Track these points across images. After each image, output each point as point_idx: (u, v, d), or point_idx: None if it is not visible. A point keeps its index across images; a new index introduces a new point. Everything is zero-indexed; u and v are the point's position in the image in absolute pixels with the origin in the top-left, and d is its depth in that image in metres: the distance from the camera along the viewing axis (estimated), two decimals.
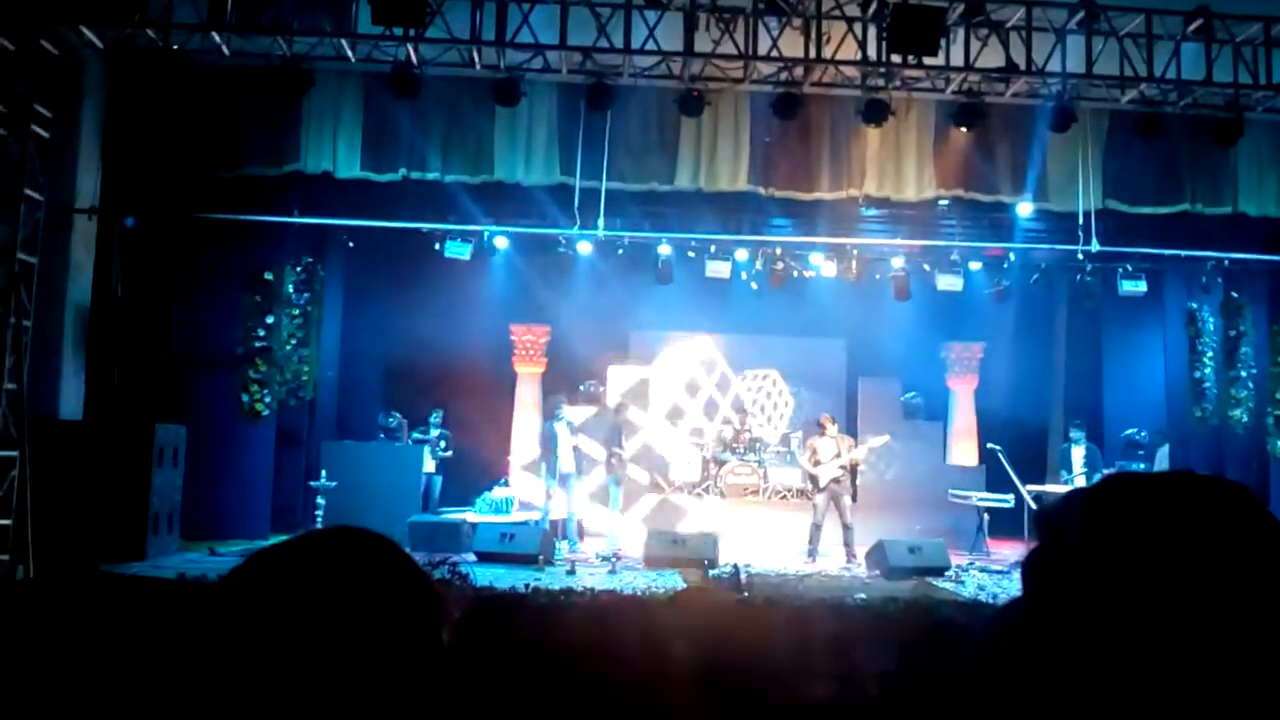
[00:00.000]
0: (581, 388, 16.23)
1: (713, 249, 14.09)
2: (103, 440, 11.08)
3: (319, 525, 10.95)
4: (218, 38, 11.44)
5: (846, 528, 12.26)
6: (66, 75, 11.32)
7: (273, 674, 1.02)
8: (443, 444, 14.93)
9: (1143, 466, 14.41)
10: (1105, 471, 11.99)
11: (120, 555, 10.53)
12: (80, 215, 11.75)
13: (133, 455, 11.02)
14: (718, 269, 14.14)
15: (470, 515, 13.81)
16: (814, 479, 12.43)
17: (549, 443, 13.15)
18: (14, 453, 10.14)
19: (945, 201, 13.36)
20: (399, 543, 1.18)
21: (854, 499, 12.56)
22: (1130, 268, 13.73)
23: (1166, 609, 0.90)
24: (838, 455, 12.34)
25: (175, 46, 11.45)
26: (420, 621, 1.11)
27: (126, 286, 12.42)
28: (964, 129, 12.41)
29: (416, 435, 14.84)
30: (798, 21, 11.79)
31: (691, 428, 16.89)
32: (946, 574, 11.46)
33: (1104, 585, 0.93)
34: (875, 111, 11.93)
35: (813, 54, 11.77)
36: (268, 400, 13.25)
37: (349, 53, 11.80)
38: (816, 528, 12.39)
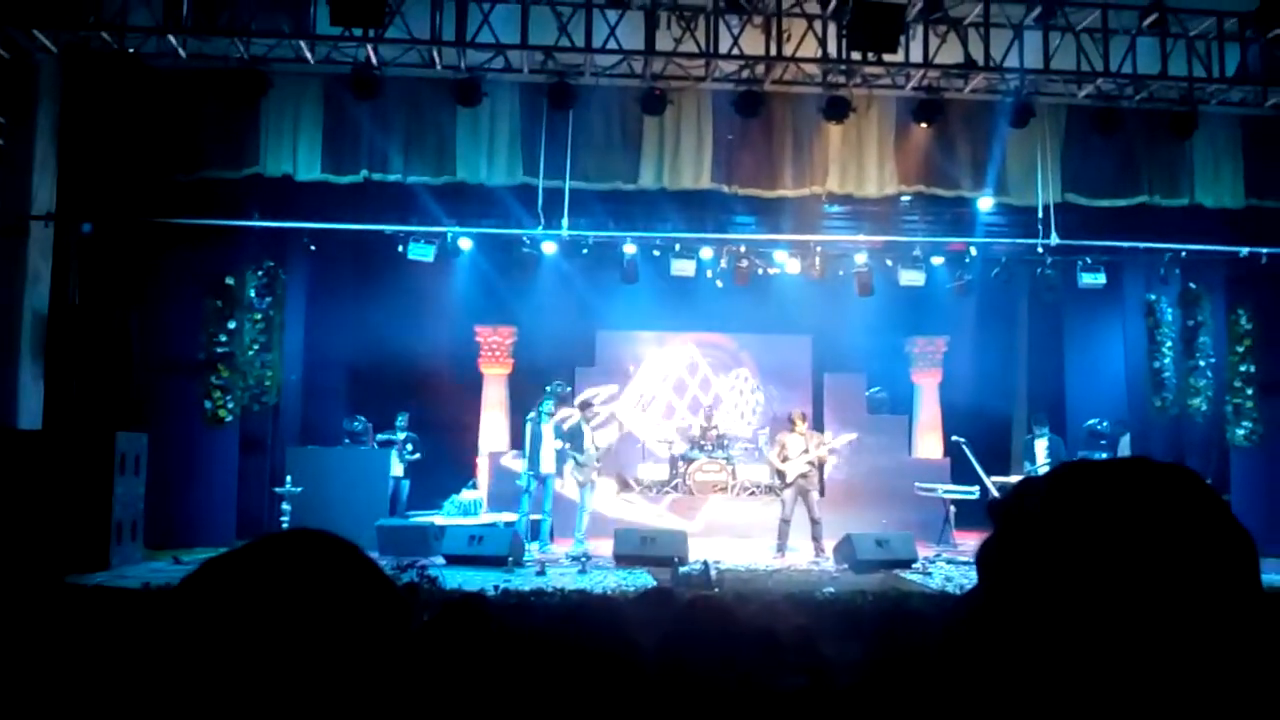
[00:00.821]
0: (548, 388, 16.18)
1: (677, 247, 14.11)
2: (63, 449, 10.91)
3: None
4: (174, 40, 11.32)
5: (814, 522, 12.33)
6: (20, 79, 11.17)
7: (230, 681, 1.01)
8: (410, 447, 14.86)
9: (1105, 456, 14.57)
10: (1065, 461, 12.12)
11: (84, 565, 10.38)
12: (36, 222, 11.58)
13: (94, 464, 10.86)
14: (683, 267, 14.16)
15: (438, 518, 13.74)
16: (781, 475, 12.48)
17: (533, 442, 13.12)
18: None
19: (907, 197, 13.44)
20: (366, 547, 1.17)
21: (822, 494, 12.64)
22: (1089, 260, 13.87)
23: (1117, 593, 0.91)
24: (805, 451, 12.41)
25: (131, 49, 11.33)
26: (382, 625, 1.09)
27: (85, 293, 12.26)
28: (924, 125, 12.51)
29: (383, 438, 14.76)
30: (758, 19, 11.84)
31: (659, 425, 16.90)
32: (914, 566, 11.53)
33: (1056, 571, 0.94)
34: (836, 109, 12.01)
35: (774, 52, 11.83)
36: (231, 406, 13.12)
37: (308, 54, 11.71)
38: (785, 523, 12.45)
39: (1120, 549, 0.92)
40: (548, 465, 13.06)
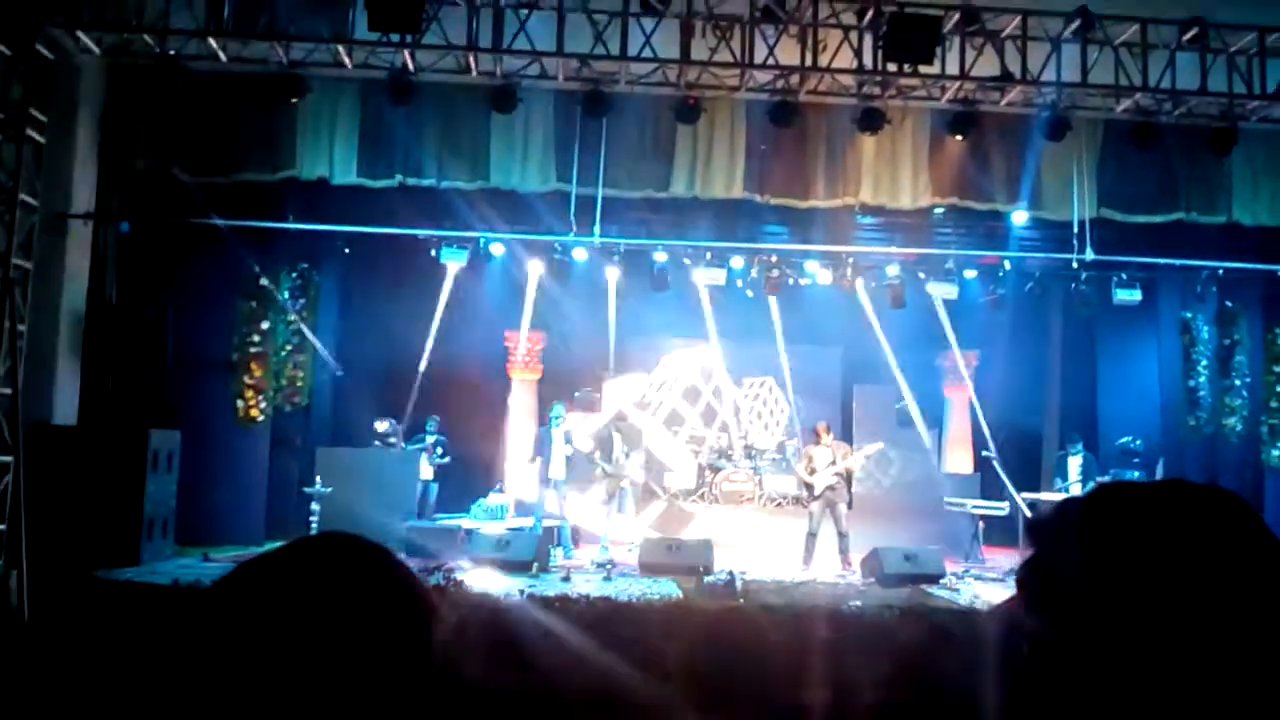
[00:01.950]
0: (577, 395, 16.22)
1: (709, 256, 14.10)
2: (97, 445, 11.05)
3: (314, 531, 10.95)
4: (214, 43, 11.43)
5: (842, 535, 12.28)
6: (62, 81, 11.31)
7: (261, 682, 1.02)
8: (439, 450, 14.90)
9: (1138, 475, 14.42)
10: (1099, 480, 12.01)
11: (115, 561, 10.50)
12: (76, 221, 11.73)
13: (127, 461, 10.99)
14: (713, 276, 14.15)
15: (466, 521, 13.79)
16: (809, 487, 12.44)
17: (542, 448, 13.17)
18: (8, 458, 10.11)
19: (940, 210, 13.37)
20: (394, 549, 1.17)
21: (849, 506, 12.58)
22: (1125, 276, 13.75)
23: (1160, 616, 0.90)
24: (833, 463, 12.36)
25: (171, 52, 11.45)
26: (411, 629, 1.10)
27: (122, 292, 12.40)
28: (959, 137, 12.43)
29: (413, 446, 14.80)
30: (794, 30, 11.82)
31: (688, 435, 16.88)
32: (941, 581, 11.45)
33: (1098, 593, 0.93)
34: (871, 120, 11.96)
35: (809, 62, 11.80)
36: (262, 406, 13.23)
37: (345, 59, 11.80)
38: (812, 536, 12.40)
39: (1162, 572, 0.91)
40: (557, 471, 13.07)
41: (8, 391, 10.32)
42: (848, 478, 12.54)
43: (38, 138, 10.83)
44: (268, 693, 1.02)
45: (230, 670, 1.03)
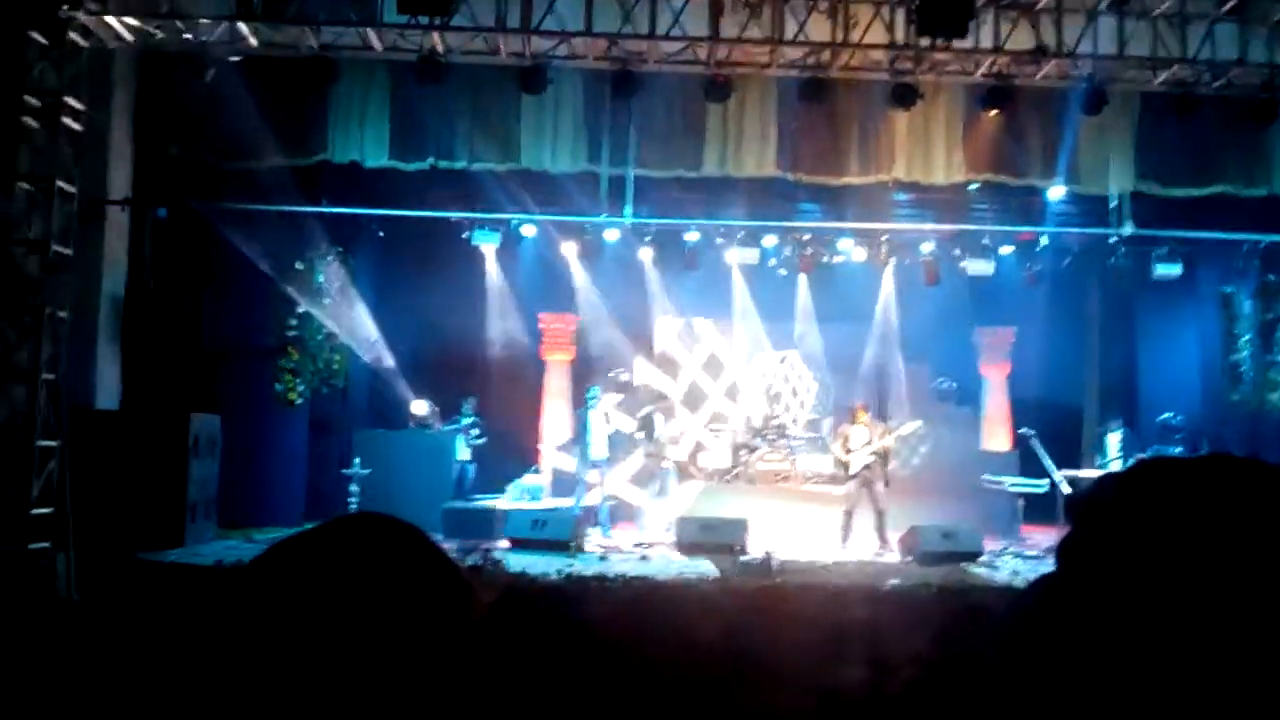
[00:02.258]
0: (610, 375, 16.23)
1: (741, 235, 14.05)
2: (139, 430, 11.21)
3: (352, 512, 11.04)
4: (244, 28, 11.49)
5: (879, 513, 12.24)
6: (97, 68, 11.41)
7: (298, 660, 1.03)
8: (475, 431, 14.97)
9: (1180, 451, 14.26)
10: (1139, 456, 11.89)
11: (159, 543, 10.66)
12: (113, 207, 11.86)
13: (169, 444, 11.15)
14: (747, 256, 14.10)
15: (502, 502, 13.87)
16: (845, 466, 12.41)
17: (581, 429, 13.21)
18: (54, 442, 10.27)
19: (975, 185, 13.24)
20: (431, 529, 1.18)
21: (886, 484, 12.53)
22: (1165, 251, 13.56)
23: (1201, 591, 0.90)
24: (869, 442, 12.32)
25: (203, 39, 11.53)
26: (446, 608, 1.11)
27: (160, 277, 12.54)
28: (994, 112, 12.28)
29: (449, 428, 14.88)
30: (824, 5, 11.71)
31: (719, 414, 16.84)
32: (980, 560, 11.40)
33: (1139, 568, 0.93)
34: (904, 96, 11.84)
35: (840, 38, 11.69)
36: (300, 389, 13.36)
37: (375, 42, 11.82)
38: (848, 514, 12.37)
39: (1203, 546, 0.91)
40: (599, 451, 13.11)
41: (51, 377, 10.47)
42: (884, 456, 12.48)
43: (74, 125, 10.93)
44: (304, 669, 1.03)
45: (267, 648, 1.04)
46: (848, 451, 12.35)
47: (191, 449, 11.30)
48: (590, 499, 13.17)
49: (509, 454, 15.68)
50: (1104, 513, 0.99)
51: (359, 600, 1.06)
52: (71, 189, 10.90)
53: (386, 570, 1.09)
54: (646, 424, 13.41)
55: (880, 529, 12.23)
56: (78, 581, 9.51)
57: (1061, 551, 1.01)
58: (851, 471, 12.32)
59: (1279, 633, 0.88)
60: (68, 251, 10.87)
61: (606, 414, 13.31)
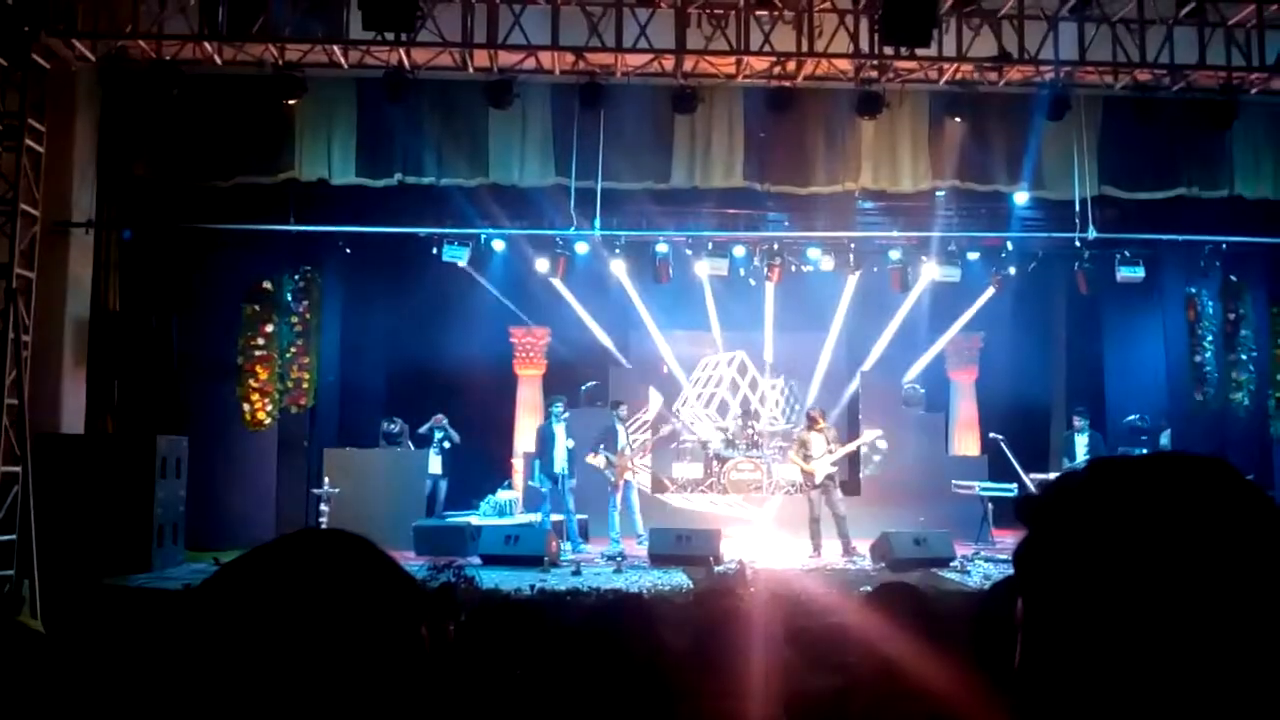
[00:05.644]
0: (583, 388, 16.22)
1: (710, 246, 14.08)
2: (105, 453, 11.08)
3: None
4: (210, 47, 11.42)
5: (839, 518, 12.31)
6: (59, 88, 11.31)
7: (249, 679, 1.02)
8: (439, 435, 14.75)
9: (1145, 452, 14.38)
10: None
11: (126, 567, 10.54)
12: (77, 229, 11.75)
13: (135, 467, 11.02)
14: (716, 267, 14.12)
15: (475, 518, 13.80)
16: (809, 475, 12.45)
17: (544, 443, 13.17)
18: (16, 468, 10.14)
19: (941, 192, 13.34)
20: (403, 547, 1.17)
21: (858, 492, 12.58)
22: (1128, 253, 13.70)
23: (1152, 588, 0.90)
24: (830, 450, 12.40)
25: (168, 57, 11.45)
26: (399, 620, 1.10)
27: (125, 299, 12.43)
28: (958, 119, 12.39)
29: (422, 432, 14.71)
30: (789, 15, 11.79)
31: (693, 424, 16.86)
32: (952, 565, 11.46)
33: (1094, 569, 0.93)
34: (869, 104, 11.92)
35: (805, 48, 11.76)
36: (269, 409, 13.25)
37: (341, 59, 11.79)
38: (815, 522, 12.42)
39: (1159, 545, 0.91)
40: (561, 465, 13.07)
41: (14, 402, 10.34)
42: (852, 459, 12.56)
43: (36, 147, 10.84)
44: (256, 688, 1.02)
45: (215, 668, 1.03)
46: (807, 459, 12.40)
47: (158, 471, 11.18)
48: (556, 513, 13.04)
49: (481, 470, 15.63)
50: (1053, 514, 0.99)
51: (309, 614, 1.05)
52: (35, 211, 10.80)
53: (335, 583, 1.08)
54: (607, 434, 13.36)
55: (843, 534, 12.28)
56: (42, 609, 9.38)
57: (1019, 556, 1.02)
58: (816, 481, 12.38)
59: (1225, 627, 0.88)
60: (31, 274, 10.76)
61: (568, 427, 13.26)
